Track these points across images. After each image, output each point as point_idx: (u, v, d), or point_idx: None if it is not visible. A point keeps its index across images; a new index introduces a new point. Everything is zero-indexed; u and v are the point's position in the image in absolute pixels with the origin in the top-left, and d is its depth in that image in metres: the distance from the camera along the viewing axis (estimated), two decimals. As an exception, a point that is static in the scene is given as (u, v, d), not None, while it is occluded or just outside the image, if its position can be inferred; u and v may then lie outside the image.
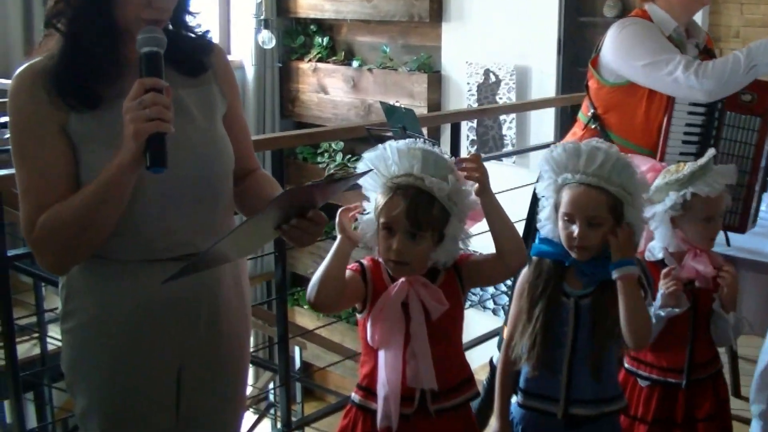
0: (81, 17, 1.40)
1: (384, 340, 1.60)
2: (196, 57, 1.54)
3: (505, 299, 5.12)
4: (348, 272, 1.62)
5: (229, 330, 1.60)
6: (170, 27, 1.52)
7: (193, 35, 1.57)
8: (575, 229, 1.70)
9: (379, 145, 1.63)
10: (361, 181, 1.64)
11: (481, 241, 1.76)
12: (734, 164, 2.14)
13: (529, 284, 1.77)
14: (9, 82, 1.54)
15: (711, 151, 1.95)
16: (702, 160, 1.92)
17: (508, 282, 5.15)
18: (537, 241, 1.82)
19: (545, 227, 1.78)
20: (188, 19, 1.55)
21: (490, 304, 5.35)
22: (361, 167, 1.62)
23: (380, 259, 1.63)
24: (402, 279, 1.60)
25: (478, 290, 5.42)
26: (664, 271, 1.88)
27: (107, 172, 1.34)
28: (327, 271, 1.54)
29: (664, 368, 1.95)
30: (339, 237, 1.57)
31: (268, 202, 1.35)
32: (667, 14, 2.41)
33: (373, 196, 1.61)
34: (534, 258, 1.79)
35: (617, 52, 2.40)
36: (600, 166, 1.69)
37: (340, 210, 1.60)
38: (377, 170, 1.61)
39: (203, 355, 1.56)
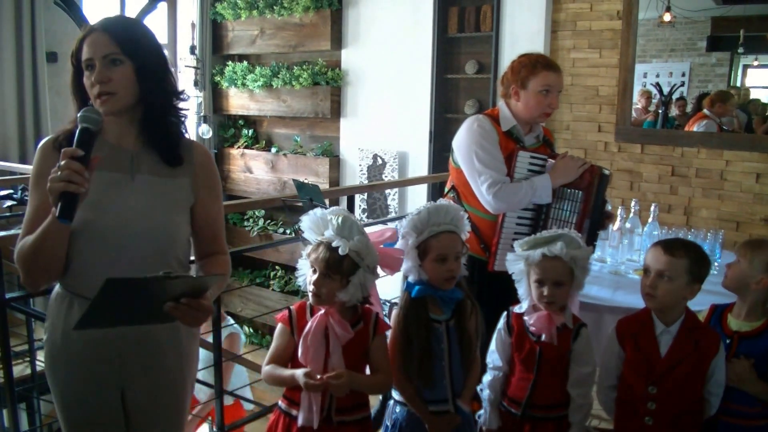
0: (76, 104, 1.52)
1: (310, 358, 1.64)
2: (175, 152, 1.56)
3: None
4: (281, 327, 1.68)
5: (164, 364, 1.58)
6: (159, 114, 1.52)
7: (179, 122, 1.57)
8: (449, 265, 1.77)
9: (311, 212, 1.72)
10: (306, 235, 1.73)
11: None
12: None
13: (403, 316, 1.79)
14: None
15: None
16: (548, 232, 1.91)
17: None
18: (406, 286, 1.84)
19: (411, 273, 1.82)
20: (176, 102, 1.55)
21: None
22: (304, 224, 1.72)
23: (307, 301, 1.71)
24: (321, 311, 1.65)
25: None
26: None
27: (49, 217, 1.37)
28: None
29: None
30: None
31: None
32: (510, 115, 2.42)
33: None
34: (405, 296, 1.82)
35: (458, 144, 2.43)
36: (453, 217, 1.81)
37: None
38: (313, 230, 1.71)
39: (142, 383, 1.56)
